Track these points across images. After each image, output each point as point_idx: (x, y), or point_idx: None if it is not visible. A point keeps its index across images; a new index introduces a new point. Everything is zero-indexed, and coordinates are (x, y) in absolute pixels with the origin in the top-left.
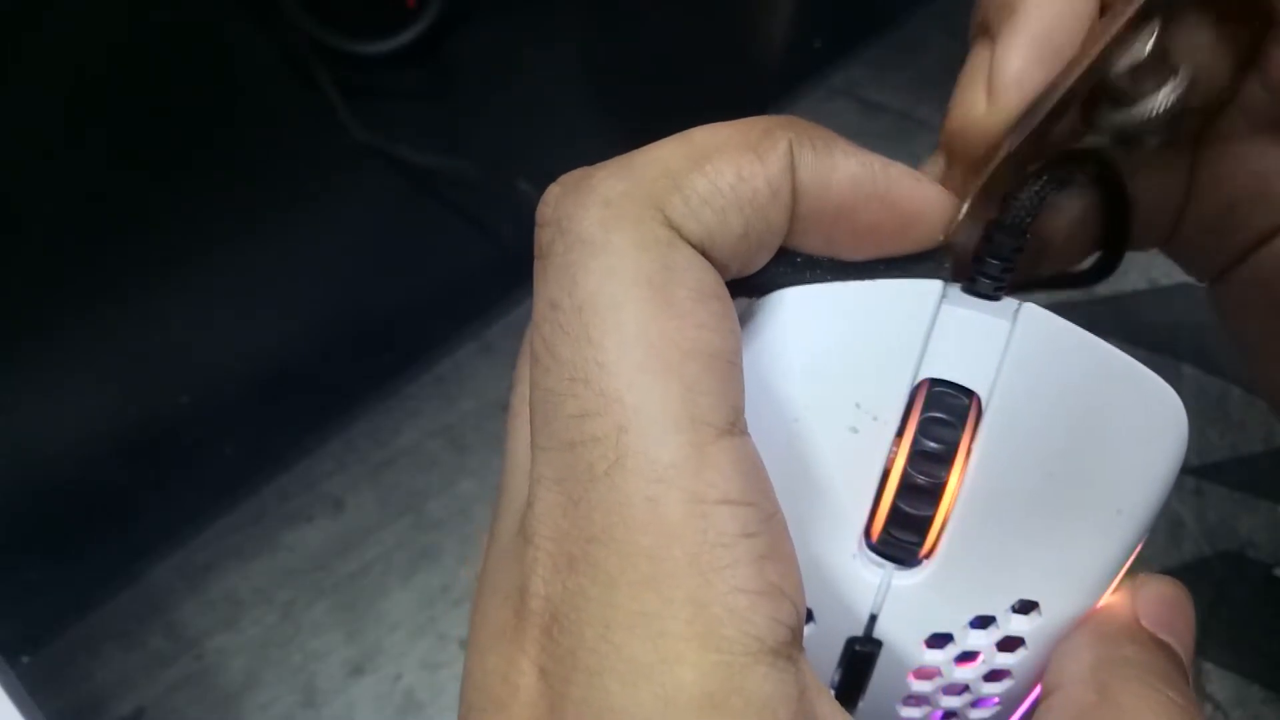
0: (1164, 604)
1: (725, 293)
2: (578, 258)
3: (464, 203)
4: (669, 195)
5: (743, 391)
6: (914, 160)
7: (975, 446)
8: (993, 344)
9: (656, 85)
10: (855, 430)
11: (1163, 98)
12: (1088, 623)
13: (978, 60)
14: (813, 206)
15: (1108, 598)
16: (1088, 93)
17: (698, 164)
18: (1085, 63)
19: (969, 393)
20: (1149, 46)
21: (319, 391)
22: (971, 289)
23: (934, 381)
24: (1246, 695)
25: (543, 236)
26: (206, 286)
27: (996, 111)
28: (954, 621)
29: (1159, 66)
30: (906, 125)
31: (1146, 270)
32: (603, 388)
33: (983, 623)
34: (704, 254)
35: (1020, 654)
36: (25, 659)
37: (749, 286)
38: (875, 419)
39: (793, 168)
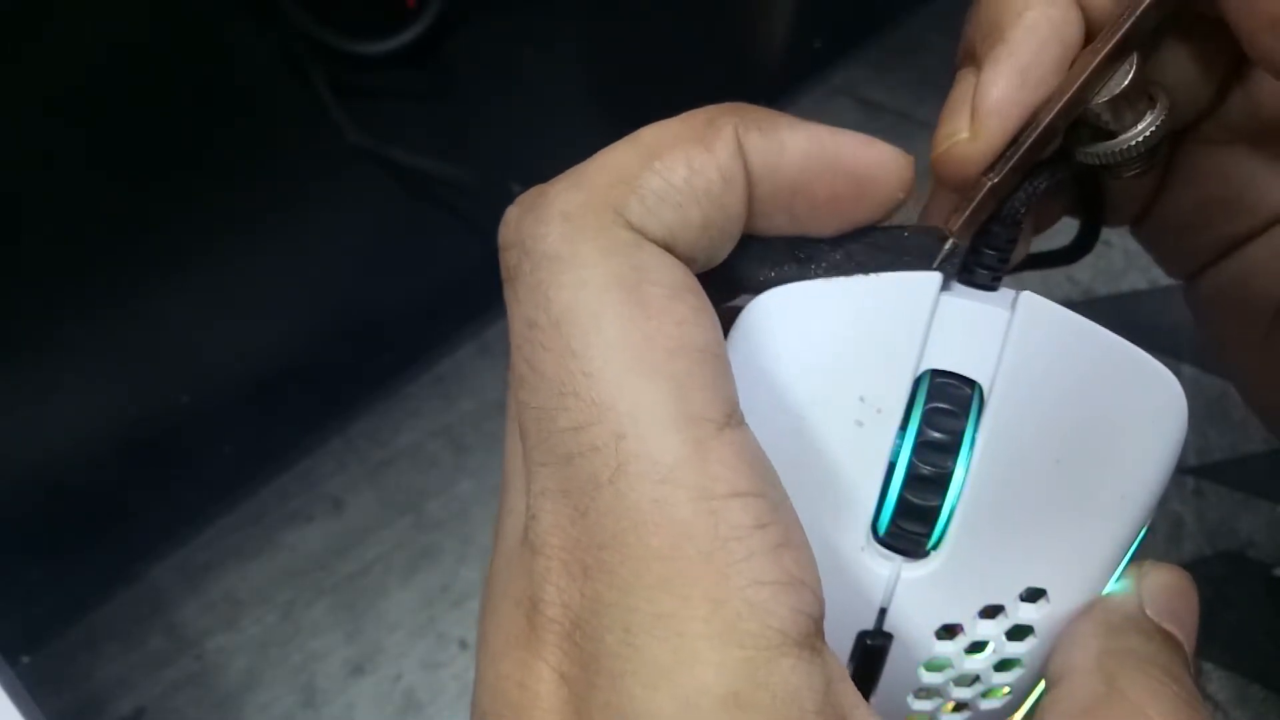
0: (1169, 592)
1: (698, 286)
2: (547, 274)
3: (463, 204)
4: (626, 198)
5: (733, 383)
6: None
7: (979, 436)
8: (993, 333)
9: (655, 87)
10: (860, 424)
11: (1143, 129)
12: (1093, 611)
13: (962, 87)
14: (768, 188)
15: (1113, 584)
16: (1069, 125)
17: (648, 163)
18: (1065, 97)
19: (971, 383)
20: (1128, 80)
21: (319, 391)
22: (969, 280)
23: (936, 372)
24: (1246, 695)
25: (509, 259)
26: (206, 286)
27: (979, 138)
28: (963, 612)
29: (1138, 98)
30: (906, 125)
31: (1146, 270)
32: (594, 397)
33: (992, 612)
34: (669, 250)
35: (1029, 642)
36: (25, 659)
37: (745, 282)
38: (879, 412)
39: (742, 153)
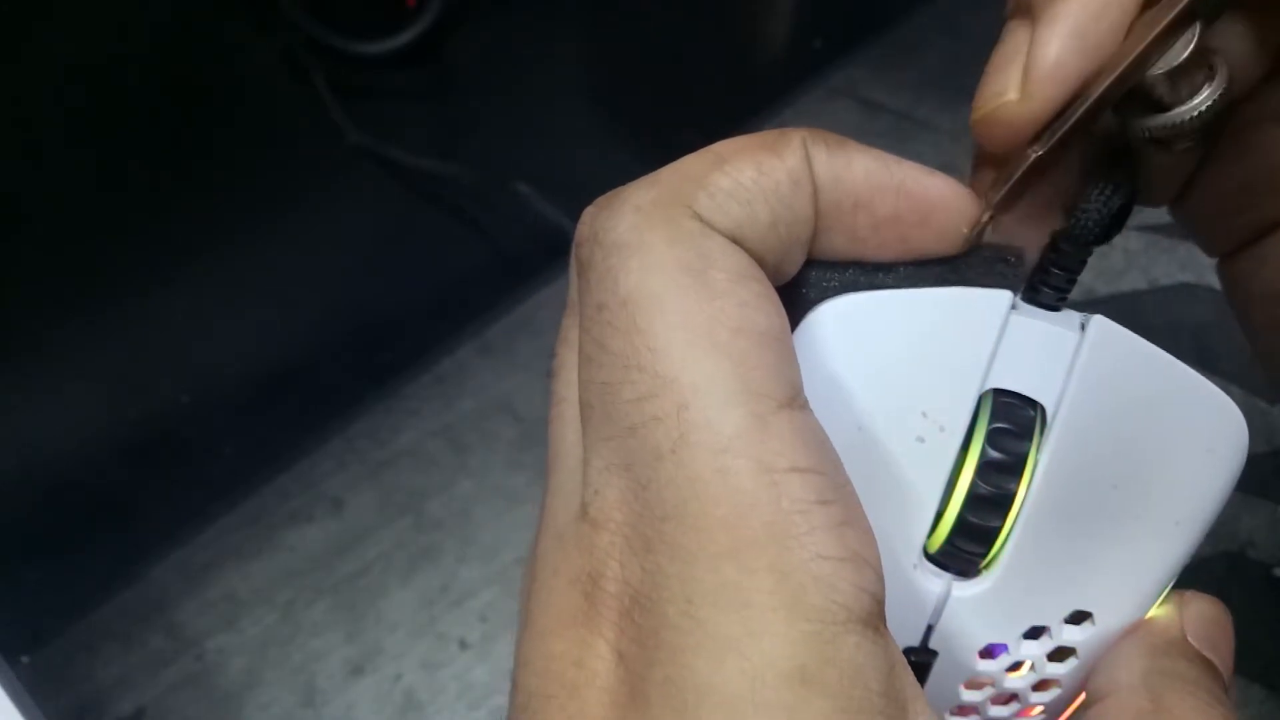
0: (1209, 623)
1: (763, 276)
2: (617, 261)
3: (464, 204)
4: (695, 194)
5: (798, 368)
6: (914, 160)
7: (1041, 458)
8: (1061, 355)
9: (656, 86)
10: (921, 440)
11: (1200, 102)
12: (1137, 633)
13: (1014, 42)
14: (831, 200)
15: (1155, 609)
16: (1121, 97)
17: (719, 165)
18: (1120, 69)
19: (1034, 403)
20: (1187, 52)
21: (319, 391)
22: (1034, 299)
23: (999, 392)
24: (1247, 695)
25: (581, 254)
26: (206, 286)
27: (1029, 100)
28: (1009, 632)
29: (1196, 70)
30: (906, 125)
31: (1146, 270)
32: (657, 370)
33: (1036, 633)
34: (737, 244)
35: (1070, 663)
36: (25, 659)
37: (807, 290)
38: (942, 429)
39: (809, 161)
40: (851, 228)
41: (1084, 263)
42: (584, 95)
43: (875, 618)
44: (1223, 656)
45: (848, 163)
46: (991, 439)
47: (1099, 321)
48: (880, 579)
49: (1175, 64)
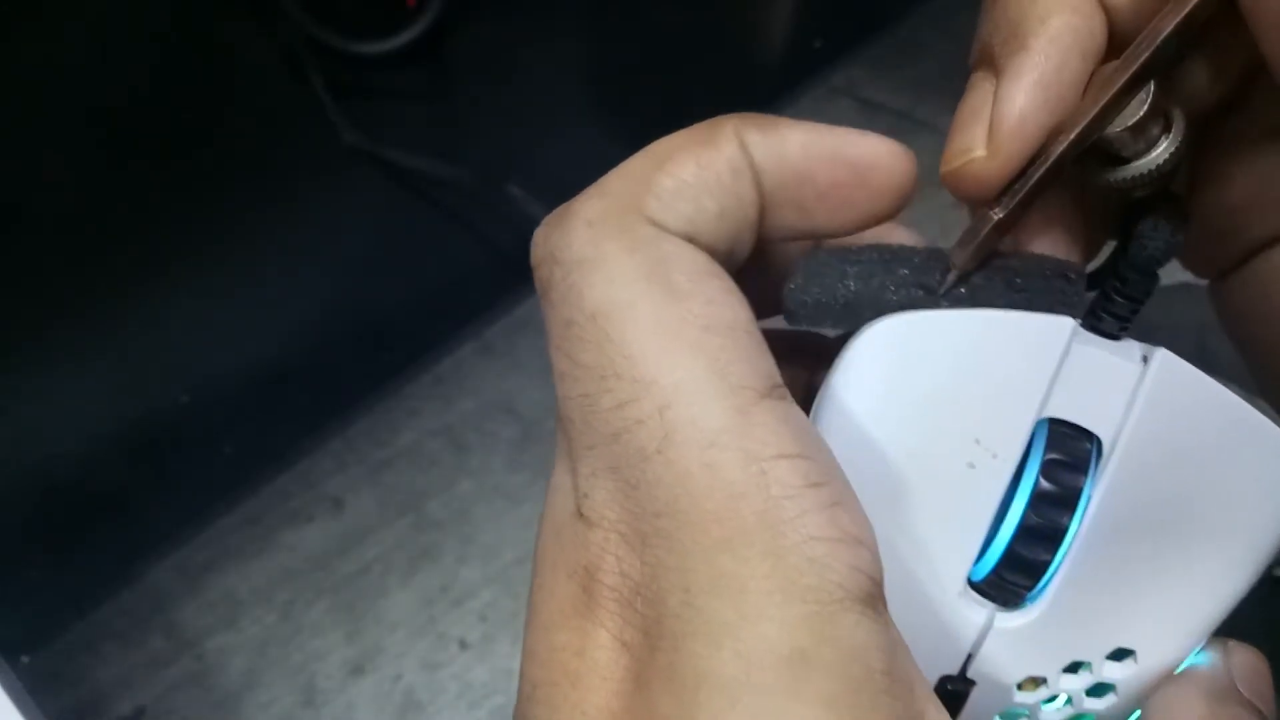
0: (1254, 672)
1: (722, 270)
2: (578, 277)
3: (463, 204)
4: (643, 199)
5: (772, 359)
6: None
7: (1095, 492)
8: (1122, 388)
9: (655, 88)
10: (972, 466)
11: (1156, 156)
12: (1191, 678)
13: (978, 95)
14: (773, 179)
15: (1195, 654)
16: (1078, 155)
17: (660, 166)
18: (1077, 130)
19: (1090, 435)
20: (1144, 109)
21: (319, 391)
22: (1095, 326)
23: (1055, 422)
24: None
25: (541, 273)
26: (206, 286)
27: (995, 157)
28: (1049, 665)
29: (1153, 123)
30: (906, 125)
31: None
32: (635, 375)
33: (1076, 667)
34: (691, 241)
35: (1108, 699)
36: (25, 659)
37: (849, 311)
38: (995, 456)
39: (745, 147)
40: (798, 201)
41: (1149, 291)
42: (582, 96)
43: (873, 598)
44: (1268, 705)
45: (782, 140)
46: (1046, 470)
47: (1163, 355)
48: (876, 560)
49: (1131, 123)
